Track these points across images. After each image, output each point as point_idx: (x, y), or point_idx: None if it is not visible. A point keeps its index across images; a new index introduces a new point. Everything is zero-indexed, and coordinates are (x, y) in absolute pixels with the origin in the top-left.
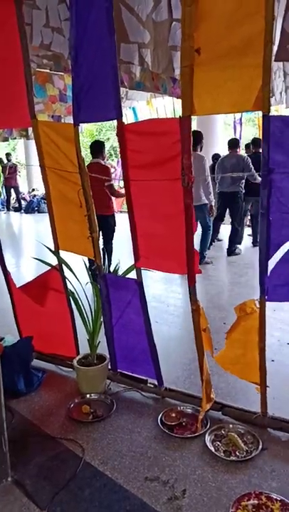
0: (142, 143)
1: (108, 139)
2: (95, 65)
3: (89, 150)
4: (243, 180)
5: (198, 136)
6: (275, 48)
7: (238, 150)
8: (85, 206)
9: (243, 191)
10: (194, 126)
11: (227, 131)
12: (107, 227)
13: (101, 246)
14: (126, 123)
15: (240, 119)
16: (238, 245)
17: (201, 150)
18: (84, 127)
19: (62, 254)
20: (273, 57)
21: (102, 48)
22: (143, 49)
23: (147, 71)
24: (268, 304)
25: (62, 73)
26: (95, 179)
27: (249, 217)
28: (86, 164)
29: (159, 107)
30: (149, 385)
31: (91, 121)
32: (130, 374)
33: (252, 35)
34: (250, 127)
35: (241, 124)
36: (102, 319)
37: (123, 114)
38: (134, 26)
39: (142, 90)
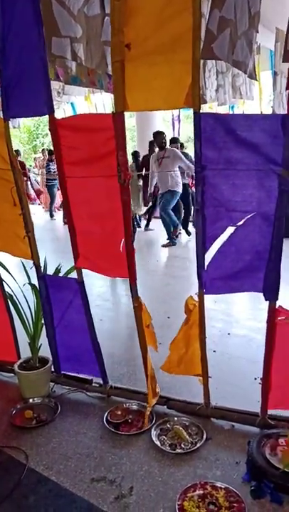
0: (76, 139)
1: (46, 134)
2: (23, 58)
3: (27, 146)
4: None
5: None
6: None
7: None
8: (20, 204)
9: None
10: (133, 123)
11: (167, 128)
12: None
13: None
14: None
15: (179, 116)
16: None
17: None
18: (21, 122)
19: None
20: None
21: (30, 41)
22: (75, 43)
23: (83, 66)
24: (209, 296)
25: None
26: None
27: None
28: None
29: (98, 102)
30: (94, 384)
31: (22, 116)
32: (74, 375)
33: (181, 32)
34: (188, 124)
35: (180, 121)
36: (43, 321)
37: (61, 110)
38: (66, 20)
39: (78, 85)
